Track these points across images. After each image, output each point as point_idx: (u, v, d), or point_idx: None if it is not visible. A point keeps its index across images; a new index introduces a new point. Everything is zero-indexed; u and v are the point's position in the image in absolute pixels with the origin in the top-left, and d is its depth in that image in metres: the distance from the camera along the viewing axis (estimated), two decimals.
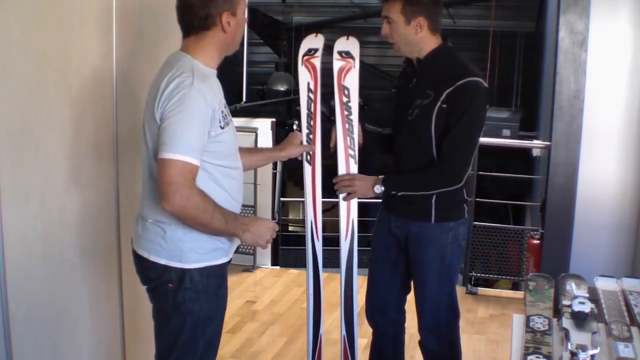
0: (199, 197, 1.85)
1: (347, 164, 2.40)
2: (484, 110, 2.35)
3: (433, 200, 2.36)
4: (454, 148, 2.29)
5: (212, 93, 1.89)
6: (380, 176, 2.39)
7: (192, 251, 1.94)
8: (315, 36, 2.40)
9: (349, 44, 2.37)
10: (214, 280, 1.99)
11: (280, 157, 2.49)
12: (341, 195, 2.42)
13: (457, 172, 2.31)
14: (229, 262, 2.09)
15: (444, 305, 2.48)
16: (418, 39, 2.29)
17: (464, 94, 2.25)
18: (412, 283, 2.60)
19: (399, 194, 2.39)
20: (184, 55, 1.93)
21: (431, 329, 2.50)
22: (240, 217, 2.02)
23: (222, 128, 1.91)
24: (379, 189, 2.36)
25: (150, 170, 1.94)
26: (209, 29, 1.91)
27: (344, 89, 2.37)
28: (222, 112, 1.93)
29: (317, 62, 2.37)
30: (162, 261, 1.94)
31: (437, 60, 2.33)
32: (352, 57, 2.36)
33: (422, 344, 2.56)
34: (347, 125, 2.38)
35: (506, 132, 7.58)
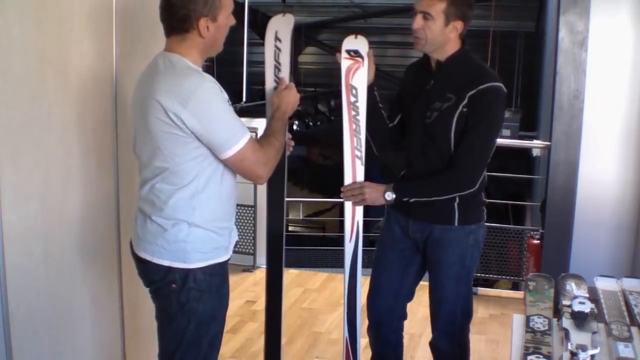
0: (267, 150, 2.00)
1: (354, 165, 2.38)
2: (502, 115, 2.35)
3: (456, 204, 2.34)
4: (469, 152, 2.28)
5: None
6: (390, 184, 2.36)
7: (195, 251, 1.94)
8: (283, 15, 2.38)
9: (357, 42, 2.33)
10: (216, 279, 2.00)
11: None
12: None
13: (470, 177, 2.30)
14: (228, 260, 2.09)
15: (459, 308, 2.46)
16: (447, 40, 2.28)
17: (485, 98, 2.24)
18: (415, 289, 2.59)
19: (411, 200, 2.37)
20: (173, 54, 1.92)
21: (445, 331, 2.49)
22: (272, 118, 2.14)
23: None
24: (390, 196, 2.33)
25: (154, 167, 1.92)
26: (187, 32, 1.90)
27: (352, 88, 2.35)
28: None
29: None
30: (166, 263, 1.94)
31: (457, 63, 2.31)
32: (361, 56, 2.34)
33: (433, 344, 2.55)
34: (354, 126, 2.36)
35: (506, 132, 7.58)
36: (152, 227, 1.95)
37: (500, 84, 2.28)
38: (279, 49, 2.33)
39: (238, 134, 1.90)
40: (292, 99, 2.18)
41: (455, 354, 2.53)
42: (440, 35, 2.26)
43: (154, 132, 1.88)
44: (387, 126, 2.50)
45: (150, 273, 1.99)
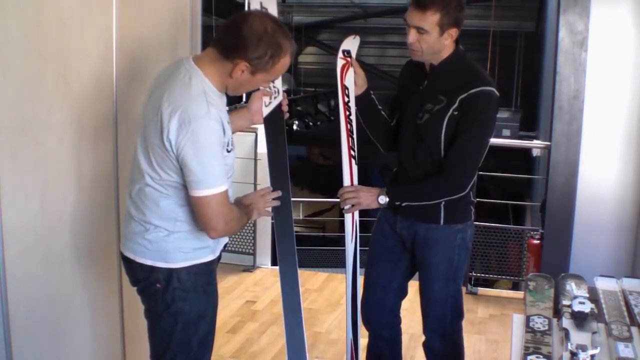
0: (234, 212, 1.95)
1: (350, 164, 2.39)
2: (494, 120, 2.33)
3: (442, 203, 2.35)
4: (460, 157, 2.27)
5: (224, 115, 1.88)
6: (383, 187, 2.38)
7: (177, 250, 1.94)
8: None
9: (353, 42, 2.36)
10: (202, 278, 1.99)
11: (252, 122, 2.36)
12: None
13: (461, 182, 2.30)
14: (218, 260, 2.09)
15: (449, 307, 2.48)
16: (443, 47, 2.26)
17: (476, 103, 2.23)
18: (408, 286, 2.59)
19: (403, 204, 2.38)
20: (196, 71, 1.87)
21: (436, 330, 2.50)
22: (243, 204, 2.12)
23: (229, 152, 1.93)
24: (383, 199, 2.35)
25: (144, 172, 1.91)
26: (225, 59, 1.85)
27: (345, 88, 2.36)
28: (230, 136, 1.93)
29: None
30: (148, 262, 1.94)
31: (451, 66, 2.30)
32: (351, 56, 2.35)
33: (425, 344, 2.56)
34: (348, 126, 2.38)
35: (506, 132, 7.58)
36: (136, 227, 1.95)
37: (493, 89, 2.26)
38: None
39: (213, 180, 1.83)
40: (261, 206, 2.20)
41: (449, 354, 2.54)
42: (436, 45, 2.24)
43: (149, 141, 1.87)
44: (389, 126, 2.51)
45: (135, 272, 1.99)
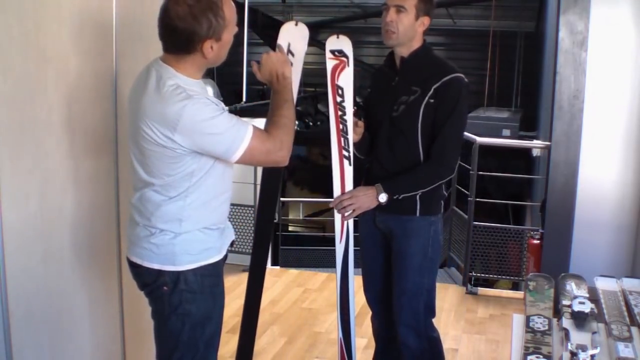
0: (277, 134, 1.94)
1: (342, 165, 2.40)
2: (467, 103, 2.49)
3: (418, 195, 2.42)
4: (445, 144, 2.38)
5: (209, 97, 1.89)
6: (377, 184, 2.40)
7: (184, 253, 1.94)
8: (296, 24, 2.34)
9: (340, 42, 2.38)
10: (209, 280, 1.99)
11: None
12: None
13: (450, 165, 2.42)
14: (225, 259, 2.09)
15: (422, 301, 2.50)
16: (415, 34, 2.39)
17: (451, 89, 2.36)
18: None
19: (401, 197, 2.40)
20: (167, 69, 1.87)
21: (410, 325, 2.52)
22: (272, 94, 2.07)
23: None
24: (383, 197, 2.38)
25: (143, 178, 1.91)
26: (189, 53, 1.85)
27: (338, 88, 2.38)
28: (225, 108, 1.94)
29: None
30: (156, 266, 1.94)
31: (420, 58, 2.43)
32: (346, 56, 2.37)
33: (401, 341, 2.55)
34: (340, 126, 2.38)
35: (506, 132, 7.59)
36: (141, 232, 1.95)
37: (462, 75, 2.39)
38: (290, 64, 2.25)
39: (238, 137, 1.85)
40: (274, 59, 2.10)
41: (426, 350, 2.55)
42: (410, 29, 2.37)
43: (142, 147, 1.87)
44: (367, 135, 2.54)
45: (142, 276, 1.99)
